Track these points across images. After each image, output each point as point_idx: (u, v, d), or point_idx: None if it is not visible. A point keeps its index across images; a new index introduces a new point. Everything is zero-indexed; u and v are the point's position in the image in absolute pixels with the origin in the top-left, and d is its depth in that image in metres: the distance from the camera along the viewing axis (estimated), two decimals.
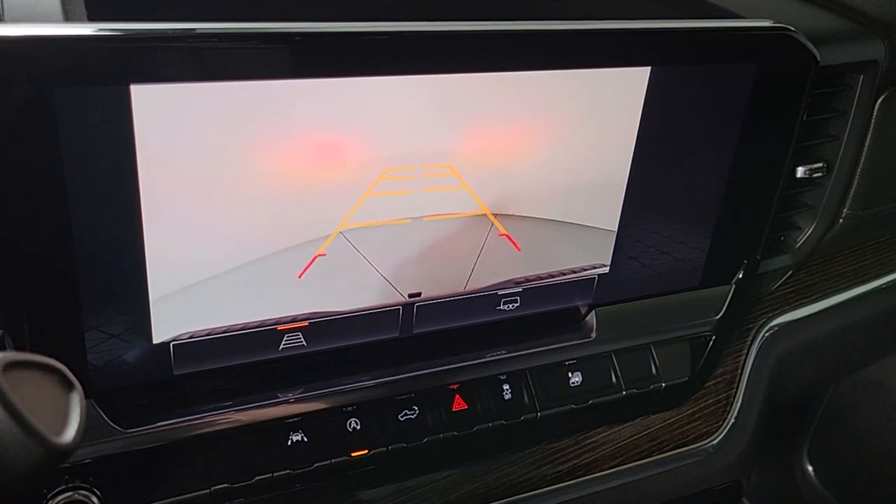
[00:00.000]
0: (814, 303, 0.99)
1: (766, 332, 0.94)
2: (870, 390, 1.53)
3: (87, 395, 0.57)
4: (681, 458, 0.82)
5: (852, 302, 1.03)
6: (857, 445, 1.59)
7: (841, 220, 0.93)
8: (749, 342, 0.93)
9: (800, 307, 0.98)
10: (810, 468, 1.68)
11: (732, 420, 0.86)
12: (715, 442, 0.84)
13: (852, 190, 0.91)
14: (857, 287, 1.04)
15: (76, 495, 0.57)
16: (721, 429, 0.85)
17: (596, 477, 0.78)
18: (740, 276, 0.83)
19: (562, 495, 0.76)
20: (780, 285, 0.98)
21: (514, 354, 0.73)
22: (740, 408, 0.88)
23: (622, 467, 0.79)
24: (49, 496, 0.57)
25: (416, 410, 0.71)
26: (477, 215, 0.67)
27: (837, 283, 1.03)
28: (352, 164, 0.60)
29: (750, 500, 1.79)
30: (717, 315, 0.83)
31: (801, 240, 0.92)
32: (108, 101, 0.51)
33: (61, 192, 0.52)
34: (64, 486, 0.58)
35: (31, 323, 0.55)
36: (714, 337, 0.84)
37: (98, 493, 0.59)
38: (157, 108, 0.52)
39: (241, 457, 0.65)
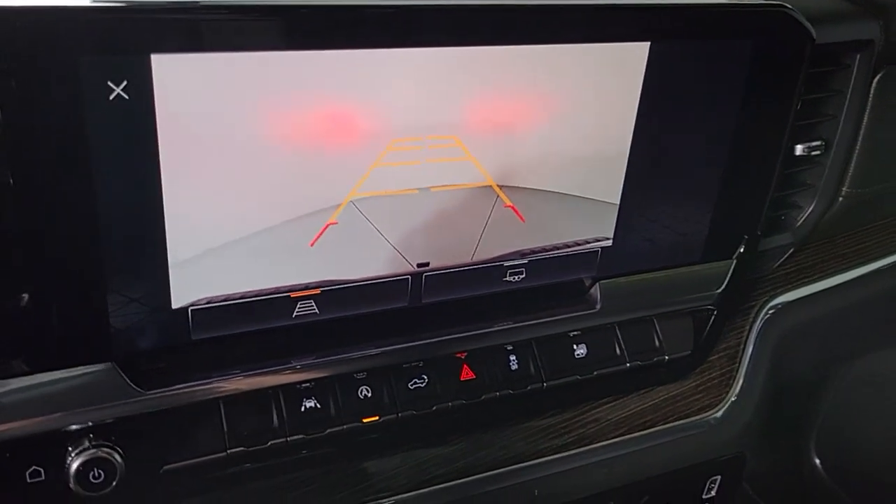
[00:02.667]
0: (815, 282, 1.01)
1: (768, 310, 0.96)
2: (878, 382, 1.54)
3: (109, 358, 0.61)
4: (684, 428, 0.84)
5: (853, 283, 1.05)
6: (866, 439, 1.59)
7: (840, 199, 0.95)
8: (751, 320, 0.94)
9: (801, 286, 1.00)
10: (818, 461, 1.68)
11: (736, 394, 0.88)
12: (718, 414, 0.86)
13: (851, 168, 0.93)
14: (857, 268, 1.05)
15: (100, 452, 0.60)
16: (724, 401, 0.87)
17: (601, 446, 0.80)
18: (741, 251, 0.85)
19: (567, 463, 0.78)
20: (780, 265, 0.99)
21: (519, 324, 0.76)
22: (743, 382, 0.90)
23: (627, 437, 0.81)
24: (73, 453, 0.60)
25: (425, 379, 0.74)
26: (482, 187, 0.69)
27: (838, 263, 1.04)
28: (361, 134, 0.62)
29: (757, 494, 1.81)
30: (718, 289, 0.85)
31: (802, 218, 0.94)
32: (129, 69, 0.53)
33: (84, 158, 0.54)
34: (87, 444, 0.60)
35: (56, 288, 0.57)
36: (716, 311, 0.86)
37: (120, 451, 0.61)
38: (175, 77, 0.55)
39: (256, 421, 0.68)
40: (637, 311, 0.81)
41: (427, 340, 0.72)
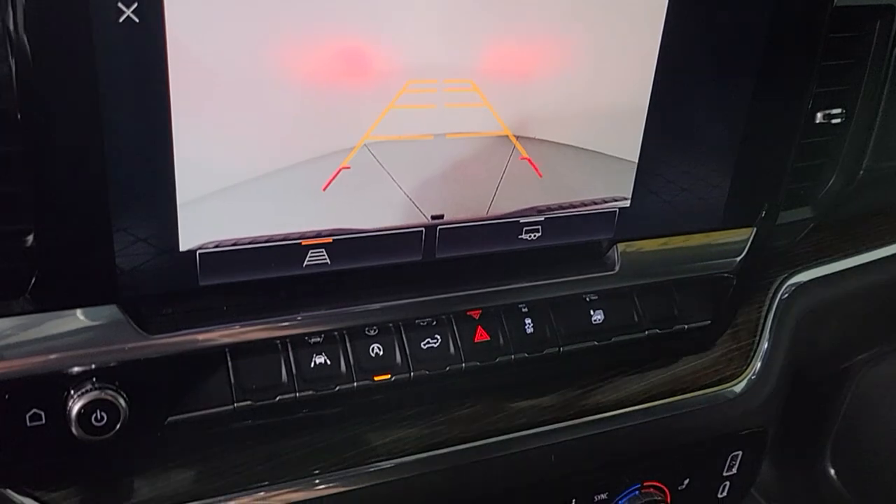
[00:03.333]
0: (834, 262, 0.99)
1: (788, 287, 0.94)
2: (894, 390, 1.51)
3: (114, 300, 0.59)
4: (704, 399, 0.81)
5: (872, 265, 1.03)
6: (881, 447, 1.56)
7: (861, 172, 0.93)
8: (770, 296, 0.92)
9: (820, 266, 0.98)
10: (832, 470, 1.65)
11: (757, 368, 0.86)
12: (739, 387, 0.84)
13: (872, 140, 0.91)
14: (877, 250, 1.03)
15: (103, 394, 0.58)
16: (745, 374, 0.85)
17: (620, 414, 0.77)
18: (762, 217, 0.83)
19: (585, 430, 0.75)
20: (800, 244, 0.97)
21: (535, 283, 0.73)
22: (764, 358, 0.87)
23: (646, 405, 0.78)
24: (75, 395, 0.57)
25: (438, 339, 0.71)
26: (499, 136, 0.67)
27: (857, 244, 1.03)
28: (377, 73, 0.61)
29: (770, 503, 1.77)
30: (738, 256, 0.82)
31: (822, 192, 0.92)
32: None
33: (93, 85, 0.53)
34: (90, 387, 0.58)
35: (61, 223, 0.56)
36: (736, 280, 0.83)
37: (124, 395, 0.59)
38: (188, 8, 0.54)
39: (265, 375, 0.66)
40: (655, 275, 0.79)
41: (440, 296, 0.70)
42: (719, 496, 0.87)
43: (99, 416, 0.58)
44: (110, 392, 0.58)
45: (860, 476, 1.59)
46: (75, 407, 0.57)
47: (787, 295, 0.93)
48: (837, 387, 1.58)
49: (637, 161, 0.74)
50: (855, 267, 1.01)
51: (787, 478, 1.71)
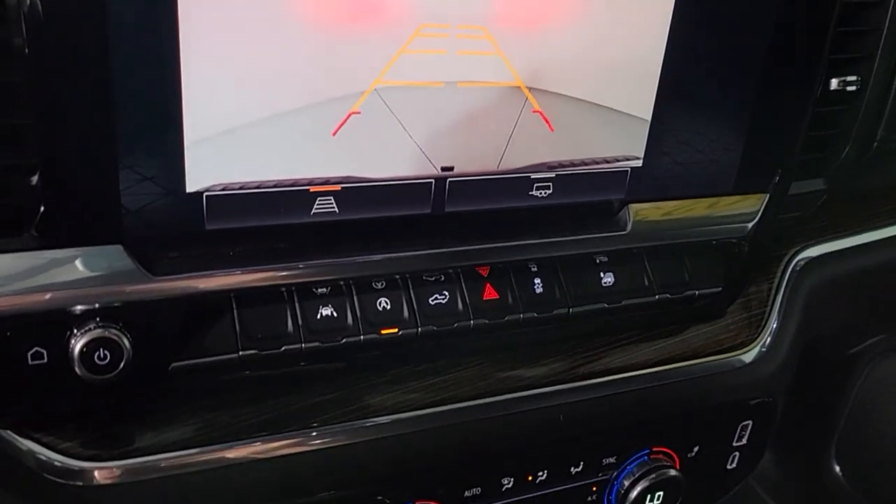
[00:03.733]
0: (846, 237, 0.98)
1: (800, 260, 0.93)
2: None
3: (119, 240, 0.58)
4: (714, 366, 0.80)
5: (885, 242, 1.02)
6: (887, 445, 1.55)
7: (875, 144, 0.92)
8: (782, 268, 0.91)
9: (832, 240, 0.97)
10: (838, 468, 1.63)
11: (767, 338, 0.85)
12: (750, 356, 0.83)
13: (887, 110, 0.90)
14: (889, 227, 1.02)
15: (106, 332, 0.57)
16: (756, 343, 0.83)
17: (628, 377, 0.76)
18: (775, 183, 0.82)
19: (594, 392, 0.74)
20: (814, 218, 0.96)
21: (545, 241, 0.72)
22: (775, 329, 0.86)
23: (655, 369, 0.77)
24: (78, 333, 0.56)
25: (446, 296, 0.70)
26: (511, 87, 0.66)
27: (870, 222, 1.01)
28: (389, 15, 0.60)
29: (775, 501, 1.75)
30: (750, 222, 0.81)
31: (836, 163, 0.91)
32: None
33: (102, 22, 0.52)
34: (93, 326, 0.57)
35: (67, 158, 0.55)
36: (748, 246, 0.82)
37: (128, 335, 0.58)
38: None
39: (271, 324, 0.65)
40: (667, 238, 0.78)
41: (449, 249, 0.69)
42: (728, 467, 0.86)
43: (102, 355, 0.57)
44: (114, 331, 0.57)
45: (865, 473, 1.58)
46: (78, 345, 0.56)
47: (799, 268, 0.92)
48: (842, 383, 1.57)
49: (650, 119, 0.73)
50: (869, 243, 1.00)
51: (793, 475, 1.70)
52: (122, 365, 0.57)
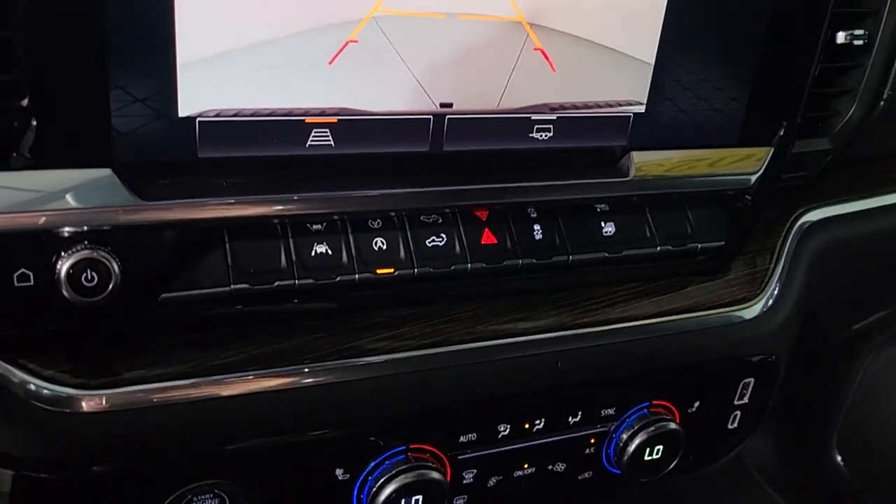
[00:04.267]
0: (852, 202, 0.97)
1: (805, 222, 0.92)
2: None
3: (109, 164, 0.57)
4: (716, 320, 0.79)
5: (890, 208, 1.00)
6: (888, 435, 1.53)
7: (882, 103, 0.90)
8: (787, 228, 0.90)
9: (838, 204, 0.96)
10: (839, 457, 1.62)
11: (771, 296, 0.83)
12: (753, 312, 0.81)
13: (893, 70, 0.89)
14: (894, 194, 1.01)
15: (94, 254, 0.55)
16: (759, 298, 0.82)
17: (629, 327, 0.75)
18: (780, 136, 0.80)
19: (593, 340, 0.73)
20: (820, 181, 0.95)
21: (546, 184, 0.71)
22: (778, 287, 0.84)
23: (655, 320, 0.76)
24: (66, 255, 0.55)
25: (443, 238, 0.69)
26: (512, 21, 0.65)
27: (876, 188, 1.00)
28: None
29: (777, 492, 1.74)
30: (754, 175, 0.80)
31: (841, 123, 0.90)
32: None
33: None
34: (81, 247, 0.55)
35: (57, 75, 0.54)
36: (751, 201, 0.81)
37: (117, 259, 0.56)
38: None
39: (263, 259, 0.63)
40: (669, 187, 0.76)
41: (447, 188, 0.67)
42: (729, 426, 0.84)
43: (89, 277, 0.55)
44: (102, 254, 0.56)
45: (867, 462, 1.57)
46: (65, 266, 0.55)
47: (804, 229, 0.91)
48: (845, 371, 1.55)
49: (653, 63, 0.72)
50: (875, 208, 0.98)
51: (794, 466, 1.68)
52: (110, 288, 0.56)
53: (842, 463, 1.62)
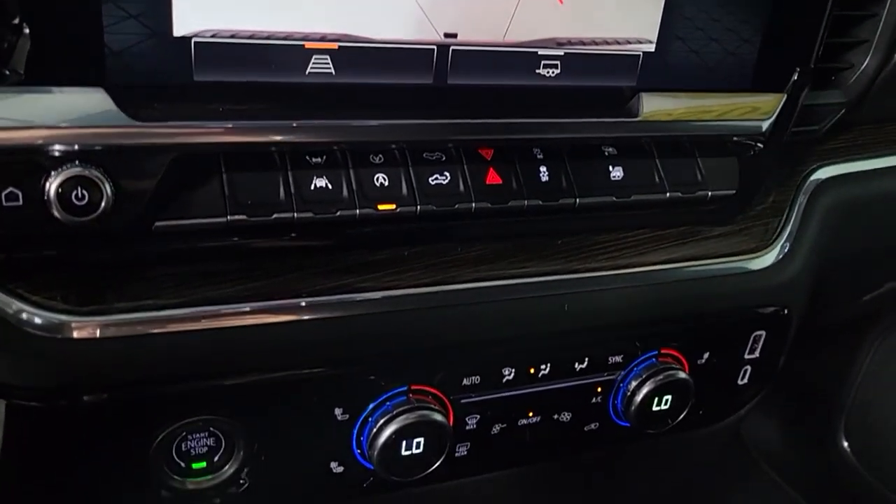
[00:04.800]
0: (866, 160, 0.95)
1: (817, 178, 0.90)
2: None
3: (102, 83, 0.55)
4: (727, 268, 0.77)
5: None
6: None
7: None
8: (800, 182, 0.88)
9: (850, 162, 0.94)
10: (846, 444, 1.60)
11: (783, 246, 0.81)
12: (763, 261, 0.79)
13: None
14: None
15: (84, 171, 0.53)
16: (771, 248, 0.80)
17: (637, 272, 0.72)
18: (793, 82, 0.78)
19: (599, 284, 0.71)
20: (831, 139, 0.93)
21: (552, 121, 0.69)
22: (791, 240, 0.82)
23: (665, 266, 0.74)
24: (56, 173, 0.53)
25: (447, 176, 0.67)
26: None
27: (889, 148, 0.98)
28: None
29: (783, 479, 1.72)
30: (766, 121, 0.78)
31: (854, 76, 0.88)
32: None
33: None
34: (71, 165, 0.53)
35: None
36: (763, 147, 0.79)
37: (109, 180, 0.55)
38: None
39: (261, 190, 0.61)
40: (679, 130, 0.74)
41: (450, 120, 0.65)
42: (740, 382, 0.82)
43: (80, 195, 0.53)
44: (93, 172, 0.54)
45: (875, 450, 1.55)
46: (54, 183, 0.53)
47: (816, 185, 0.89)
48: (851, 359, 1.54)
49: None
50: (891, 167, 0.96)
51: (800, 453, 1.66)
52: (101, 209, 0.54)
53: (848, 449, 1.60)
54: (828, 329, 1.51)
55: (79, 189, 0.53)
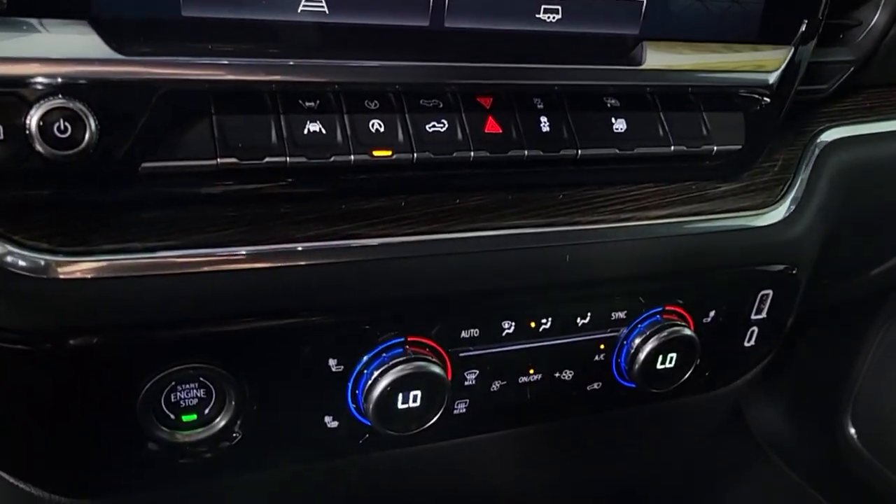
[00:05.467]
0: (872, 122, 0.93)
1: (825, 139, 0.88)
2: None
3: (85, 15, 0.53)
4: (733, 223, 0.75)
5: None
6: None
7: None
8: (807, 142, 0.86)
9: (858, 124, 0.92)
10: (853, 432, 1.58)
11: (791, 203, 0.79)
12: (772, 216, 0.77)
13: None
14: None
15: (69, 104, 0.52)
16: (779, 205, 0.78)
17: (641, 225, 0.71)
18: (800, 34, 0.76)
19: (602, 236, 0.69)
20: (839, 100, 0.91)
21: (553, 66, 0.67)
22: (799, 197, 0.80)
23: (670, 220, 0.72)
24: (39, 105, 0.51)
25: (445, 124, 0.65)
26: None
27: None
28: None
29: (789, 466, 1.70)
30: (773, 73, 0.76)
31: (863, 34, 0.86)
32: None
33: None
34: (54, 98, 0.52)
35: None
36: (770, 101, 0.77)
37: (93, 113, 0.53)
38: None
39: (253, 133, 0.60)
40: (684, 81, 0.72)
41: (448, 63, 0.63)
42: (746, 343, 0.80)
43: (62, 127, 0.52)
44: (77, 104, 0.52)
45: (882, 437, 1.53)
46: (36, 115, 0.51)
47: (825, 145, 0.87)
48: (858, 345, 1.52)
49: None
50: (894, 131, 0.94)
51: (807, 441, 1.64)
52: (85, 142, 0.52)
53: (855, 435, 1.58)
54: (835, 313, 1.50)
55: (61, 122, 0.52)
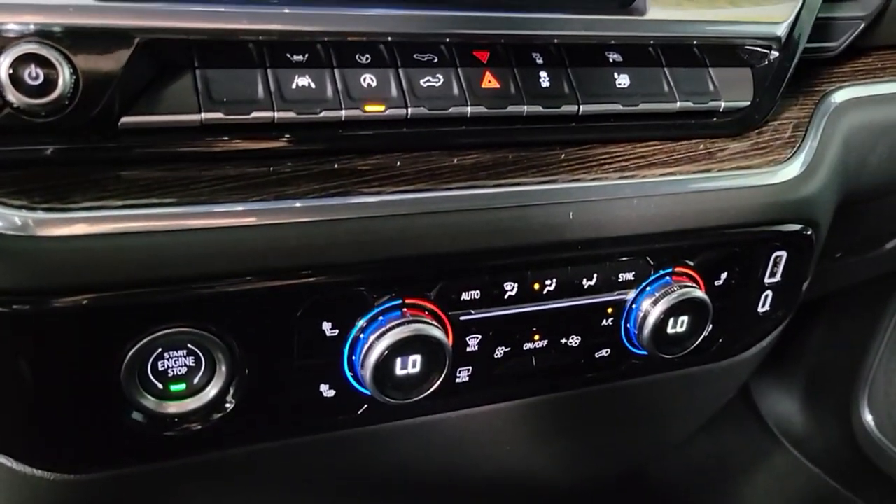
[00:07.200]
0: (883, 83, 0.90)
1: (836, 98, 0.85)
2: None
3: None
4: (744, 180, 0.71)
5: None
6: None
7: None
8: (818, 101, 0.83)
9: (869, 84, 0.89)
10: (869, 417, 1.55)
11: (804, 160, 0.76)
12: (785, 173, 0.74)
13: None
14: None
15: (43, 52, 0.49)
16: (792, 162, 0.75)
17: (647, 182, 0.67)
18: None
19: (607, 193, 0.66)
20: (849, 61, 0.88)
21: (551, 16, 0.64)
22: (813, 153, 0.77)
23: (678, 177, 0.69)
24: (8, 52, 0.49)
25: (440, 79, 0.63)
26: None
27: None
28: None
29: (804, 454, 1.67)
30: (781, 24, 0.73)
31: None
32: None
33: None
34: (25, 42, 0.49)
35: None
36: (779, 54, 0.74)
37: (69, 64, 0.50)
38: None
39: (238, 87, 0.57)
40: (689, 31, 0.69)
41: (442, 12, 0.61)
42: (760, 309, 0.77)
43: (34, 74, 0.49)
44: (50, 52, 0.49)
45: None
46: (6, 61, 0.49)
47: (837, 104, 0.83)
48: (872, 328, 1.49)
49: None
50: None
51: (821, 428, 1.62)
52: (59, 90, 0.50)
53: (872, 422, 1.55)
54: (849, 297, 1.47)
55: (33, 67, 0.49)
